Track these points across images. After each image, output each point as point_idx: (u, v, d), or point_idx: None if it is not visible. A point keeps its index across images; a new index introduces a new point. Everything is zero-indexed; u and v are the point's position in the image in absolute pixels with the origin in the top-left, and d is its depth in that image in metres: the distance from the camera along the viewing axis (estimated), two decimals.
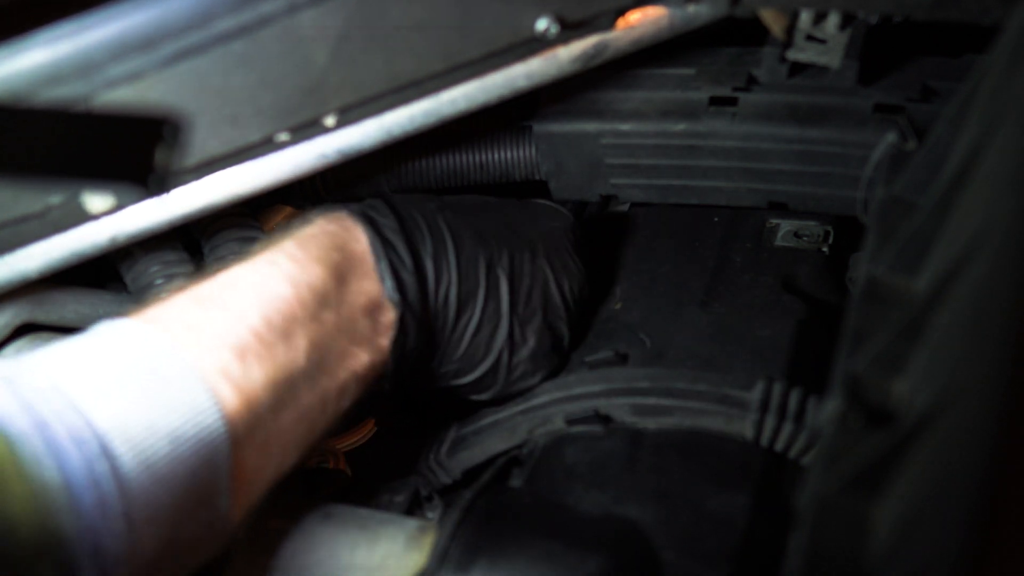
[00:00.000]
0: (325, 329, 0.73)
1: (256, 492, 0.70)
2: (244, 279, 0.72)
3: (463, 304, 0.82)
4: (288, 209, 1.17)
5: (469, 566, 0.72)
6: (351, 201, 1.19)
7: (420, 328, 0.80)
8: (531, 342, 0.86)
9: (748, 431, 0.78)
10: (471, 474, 0.89)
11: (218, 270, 0.74)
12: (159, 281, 0.91)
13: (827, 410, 0.59)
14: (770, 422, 0.78)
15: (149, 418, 0.61)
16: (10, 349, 0.90)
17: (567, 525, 0.75)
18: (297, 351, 0.71)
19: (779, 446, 0.78)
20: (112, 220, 0.84)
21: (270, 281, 0.72)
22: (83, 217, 0.83)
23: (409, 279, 0.78)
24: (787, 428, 0.77)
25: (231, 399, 0.66)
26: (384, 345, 0.78)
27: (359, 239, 0.78)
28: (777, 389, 0.79)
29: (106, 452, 0.58)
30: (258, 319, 0.69)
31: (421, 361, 0.83)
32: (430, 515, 0.86)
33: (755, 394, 0.79)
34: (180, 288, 0.72)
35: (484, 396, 0.88)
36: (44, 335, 0.91)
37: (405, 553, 0.77)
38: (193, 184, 0.84)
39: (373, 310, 0.77)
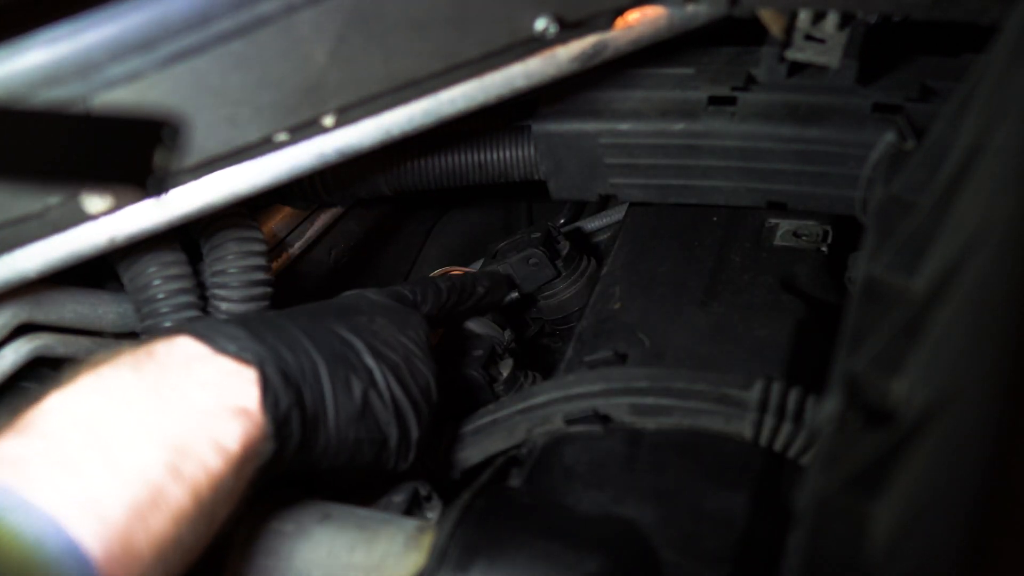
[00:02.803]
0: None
1: None
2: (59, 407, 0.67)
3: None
4: (287, 209, 1.17)
5: (468, 566, 0.72)
6: (350, 200, 1.20)
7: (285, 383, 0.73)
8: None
9: (747, 431, 0.78)
10: (470, 474, 0.89)
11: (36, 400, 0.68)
12: (156, 282, 0.91)
13: (826, 409, 0.59)
14: (769, 422, 0.78)
15: None
16: (9, 349, 0.90)
17: (566, 525, 0.75)
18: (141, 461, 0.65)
19: (778, 446, 0.78)
20: (111, 221, 0.84)
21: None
22: (82, 217, 0.83)
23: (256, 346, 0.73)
24: (786, 428, 0.77)
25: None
26: (252, 408, 0.71)
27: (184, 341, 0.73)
28: (776, 388, 0.79)
29: None
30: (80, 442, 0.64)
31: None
32: (429, 515, 0.86)
33: (754, 394, 0.79)
34: (4, 426, 0.66)
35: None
36: (43, 335, 0.91)
37: (404, 553, 0.77)
38: (192, 184, 0.84)
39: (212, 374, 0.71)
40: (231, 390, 0.70)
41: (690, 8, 0.87)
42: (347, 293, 0.90)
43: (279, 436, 0.72)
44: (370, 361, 0.79)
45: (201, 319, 0.77)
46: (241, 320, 0.76)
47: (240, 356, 0.72)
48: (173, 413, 0.68)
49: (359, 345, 0.79)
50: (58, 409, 0.66)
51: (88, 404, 0.67)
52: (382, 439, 0.80)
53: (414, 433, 0.82)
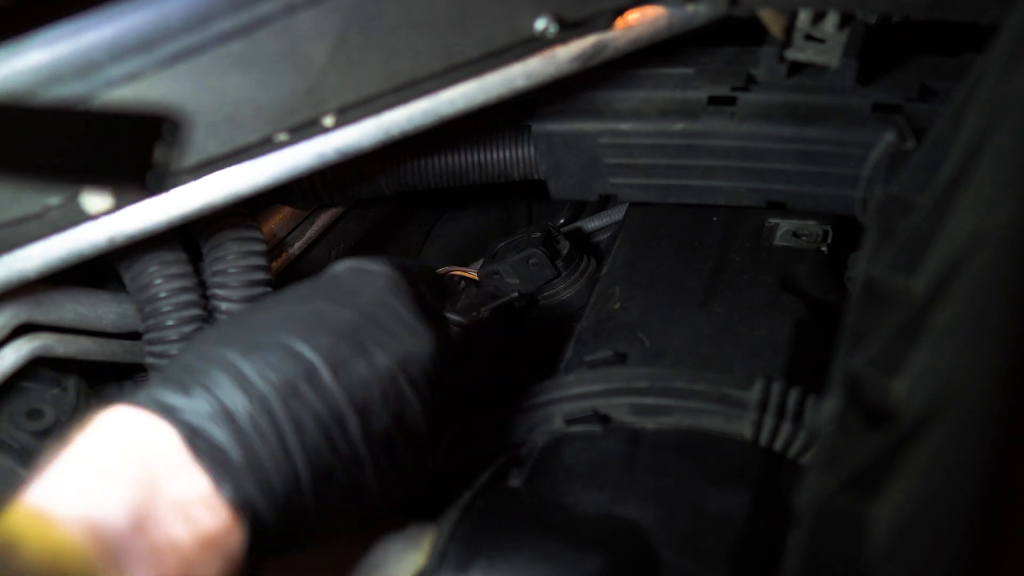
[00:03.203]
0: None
1: None
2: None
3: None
4: (287, 209, 1.17)
5: (468, 566, 0.72)
6: (350, 200, 1.20)
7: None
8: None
9: (747, 431, 0.78)
10: (470, 474, 0.89)
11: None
12: (158, 281, 0.91)
13: (826, 409, 0.59)
14: (769, 422, 0.78)
15: None
16: (9, 349, 0.90)
17: (566, 525, 0.75)
18: None
19: (778, 446, 0.78)
20: (111, 220, 0.84)
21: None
22: (82, 217, 0.83)
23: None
24: (786, 428, 0.77)
25: None
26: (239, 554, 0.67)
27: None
28: (776, 388, 0.79)
29: None
30: None
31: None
32: None
33: (754, 393, 0.79)
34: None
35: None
36: (43, 335, 0.91)
37: (404, 553, 0.77)
38: (192, 184, 0.84)
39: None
40: (222, 540, 0.66)
41: (690, 8, 0.87)
42: (375, 284, 0.77)
43: (261, 564, 0.69)
44: (361, 447, 0.71)
45: (183, 405, 0.68)
46: (229, 419, 0.68)
47: (236, 502, 0.66)
48: (163, 565, 0.64)
49: (352, 423, 0.71)
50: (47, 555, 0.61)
51: (79, 549, 0.61)
52: (365, 506, 0.74)
53: (398, 494, 0.76)
